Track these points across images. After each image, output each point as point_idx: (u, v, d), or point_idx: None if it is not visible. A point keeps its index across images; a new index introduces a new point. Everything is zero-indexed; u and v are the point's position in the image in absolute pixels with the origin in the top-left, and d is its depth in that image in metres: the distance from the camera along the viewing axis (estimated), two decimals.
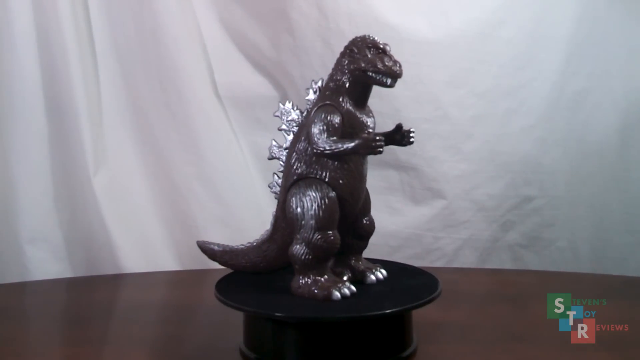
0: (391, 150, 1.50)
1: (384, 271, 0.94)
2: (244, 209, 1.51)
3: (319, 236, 0.85)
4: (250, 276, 0.97)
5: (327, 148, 0.85)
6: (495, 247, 1.55)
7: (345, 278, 0.90)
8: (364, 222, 0.94)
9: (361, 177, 0.90)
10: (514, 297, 1.22)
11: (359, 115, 0.89)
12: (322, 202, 0.86)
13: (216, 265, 1.46)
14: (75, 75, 1.40)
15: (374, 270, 0.93)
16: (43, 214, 1.42)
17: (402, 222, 1.52)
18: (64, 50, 1.39)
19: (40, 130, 1.42)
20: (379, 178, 1.50)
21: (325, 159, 0.87)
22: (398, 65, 0.87)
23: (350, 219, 0.91)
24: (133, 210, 1.48)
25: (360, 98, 0.90)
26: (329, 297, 0.84)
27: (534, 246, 1.56)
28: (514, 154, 1.53)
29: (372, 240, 0.96)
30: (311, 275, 0.86)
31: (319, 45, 1.46)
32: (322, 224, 0.85)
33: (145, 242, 1.48)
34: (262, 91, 1.54)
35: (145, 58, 1.47)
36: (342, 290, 0.85)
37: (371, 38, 0.89)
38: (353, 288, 0.86)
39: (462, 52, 1.48)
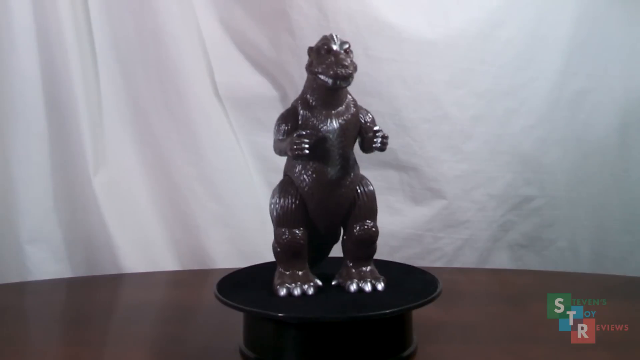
0: (391, 150, 1.49)
1: (380, 285, 0.88)
2: (244, 209, 1.51)
3: (280, 233, 0.89)
4: (250, 276, 0.97)
5: (274, 147, 0.91)
6: (495, 247, 1.55)
7: (334, 283, 0.92)
8: (357, 228, 0.90)
9: (326, 179, 0.87)
10: (514, 297, 1.22)
11: (319, 117, 0.87)
12: (281, 200, 0.89)
13: (216, 265, 1.47)
14: (75, 75, 1.40)
15: (367, 280, 0.89)
16: (43, 214, 1.42)
17: (402, 222, 1.52)
18: (64, 50, 1.39)
19: (40, 130, 1.41)
20: (379, 178, 1.50)
21: (294, 159, 0.89)
22: (340, 66, 0.83)
23: (326, 222, 0.91)
24: (133, 210, 1.48)
25: (325, 99, 0.87)
26: (276, 292, 0.87)
27: (534, 246, 1.56)
28: (514, 154, 1.53)
29: None
30: (279, 268, 0.90)
31: None
32: (280, 221, 0.89)
33: (145, 242, 1.48)
34: (262, 91, 1.54)
35: (145, 58, 1.47)
36: (291, 289, 0.87)
37: (327, 37, 0.87)
38: (309, 291, 0.87)
39: (462, 52, 1.48)
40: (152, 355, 0.94)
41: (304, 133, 0.85)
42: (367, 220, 0.90)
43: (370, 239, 0.91)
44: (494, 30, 1.49)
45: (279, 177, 0.94)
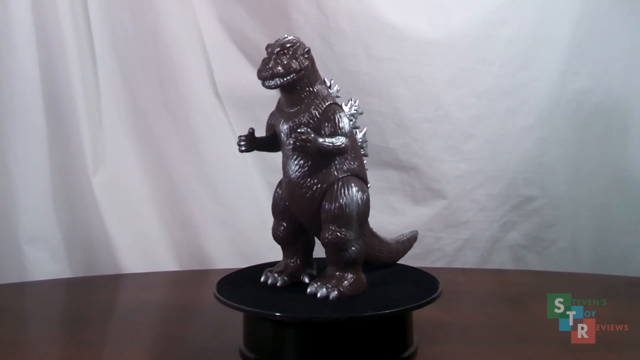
0: (391, 150, 1.51)
1: (332, 295, 0.84)
2: (244, 209, 1.51)
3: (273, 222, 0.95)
4: (250, 276, 0.97)
5: None
6: (495, 248, 1.55)
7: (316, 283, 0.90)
8: (324, 232, 0.87)
9: (289, 179, 0.89)
10: (514, 297, 1.22)
11: (278, 117, 0.90)
12: (274, 193, 0.94)
13: (216, 266, 1.47)
14: (75, 75, 1.40)
15: (324, 286, 0.86)
16: (42, 214, 1.42)
17: (402, 223, 1.52)
18: (63, 50, 1.39)
19: (39, 130, 1.41)
20: (379, 178, 1.50)
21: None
22: (261, 67, 0.86)
23: (302, 220, 0.91)
24: (132, 210, 1.48)
25: (283, 99, 0.90)
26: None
27: (535, 246, 1.56)
28: (515, 153, 1.53)
29: None
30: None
31: (319, 44, 1.45)
32: (271, 211, 0.95)
33: (145, 242, 1.48)
34: (262, 91, 1.50)
35: (145, 58, 1.47)
36: (268, 277, 0.93)
37: None
38: (278, 282, 0.91)
39: (462, 51, 1.48)
40: (152, 356, 0.93)
41: (249, 132, 0.90)
42: (333, 225, 0.86)
43: (330, 245, 0.86)
44: (495, 30, 1.49)
45: (279, 176, 0.94)
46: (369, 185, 0.93)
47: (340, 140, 0.85)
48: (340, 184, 0.87)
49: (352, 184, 0.87)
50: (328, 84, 0.92)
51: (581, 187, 1.55)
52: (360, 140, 0.94)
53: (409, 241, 1.05)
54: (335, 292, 0.85)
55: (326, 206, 0.87)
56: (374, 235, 0.97)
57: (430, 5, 1.48)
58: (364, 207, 0.88)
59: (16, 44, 1.37)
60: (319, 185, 0.87)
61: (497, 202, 1.53)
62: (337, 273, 0.87)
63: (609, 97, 1.53)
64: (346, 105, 0.93)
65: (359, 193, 0.87)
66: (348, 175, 0.88)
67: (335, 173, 0.88)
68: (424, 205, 1.53)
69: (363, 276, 0.90)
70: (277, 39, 0.88)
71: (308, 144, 0.82)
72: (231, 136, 1.52)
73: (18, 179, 1.40)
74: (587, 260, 1.56)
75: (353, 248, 0.87)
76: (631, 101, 1.53)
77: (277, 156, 0.94)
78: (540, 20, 1.50)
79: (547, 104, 1.52)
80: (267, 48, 0.88)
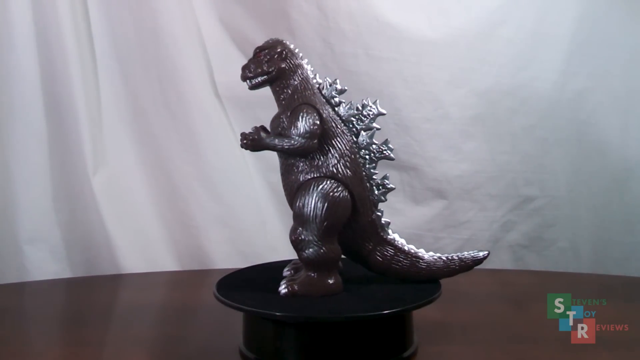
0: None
1: (282, 291, 0.86)
2: (244, 209, 1.51)
3: None
4: (250, 276, 0.97)
5: None
6: (496, 248, 1.55)
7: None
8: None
9: (280, 175, 0.91)
10: (514, 298, 1.22)
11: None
12: None
13: (215, 266, 1.47)
14: (75, 75, 1.40)
15: (285, 282, 0.87)
16: (42, 214, 1.42)
17: (402, 223, 1.52)
18: (63, 50, 1.39)
19: (40, 131, 1.41)
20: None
21: None
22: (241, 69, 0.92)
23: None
24: (132, 210, 1.48)
25: (274, 98, 0.93)
26: None
27: (535, 246, 1.56)
28: (515, 153, 1.53)
29: None
30: None
31: (319, 44, 1.46)
32: None
33: (145, 242, 1.48)
34: (262, 91, 1.52)
35: (144, 58, 1.47)
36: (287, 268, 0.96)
37: None
38: (285, 272, 0.94)
39: (462, 51, 1.48)
40: (152, 356, 0.93)
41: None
42: (295, 224, 0.87)
43: (291, 243, 0.87)
44: (495, 30, 1.49)
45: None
46: (387, 188, 0.91)
47: (293, 141, 0.86)
48: (306, 184, 0.87)
49: (320, 185, 0.86)
50: (329, 83, 0.92)
51: (581, 187, 1.55)
52: (365, 142, 0.90)
53: (464, 261, 0.97)
54: (285, 290, 0.86)
55: (296, 204, 0.87)
56: (388, 243, 0.92)
57: (430, 5, 1.49)
58: (330, 210, 0.85)
59: (16, 44, 1.37)
60: (293, 184, 0.89)
61: (497, 202, 1.53)
62: (305, 272, 0.88)
63: (609, 97, 1.53)
64: (346, 105, 0.92)
65: (326, 195, 0.85)
66: (320, 177, 0.87)
67: (306, 173, 0.88)
68: (424, 205, 1.53)
69: (333, 280, 0.87)
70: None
71: (245, 141, 0.88)
72: (231, 136, 1.53)
73: (18, 179, 1.40)
74: (587, 260, 1.56)
75: (311, 249, 0.85)
76: (631, 101, 1.53)
77: (277, 157, 0.94)
78: (540, 20, 1.50)
79: (547, 104, 1.52)
80: (254, 51, 0.91)
